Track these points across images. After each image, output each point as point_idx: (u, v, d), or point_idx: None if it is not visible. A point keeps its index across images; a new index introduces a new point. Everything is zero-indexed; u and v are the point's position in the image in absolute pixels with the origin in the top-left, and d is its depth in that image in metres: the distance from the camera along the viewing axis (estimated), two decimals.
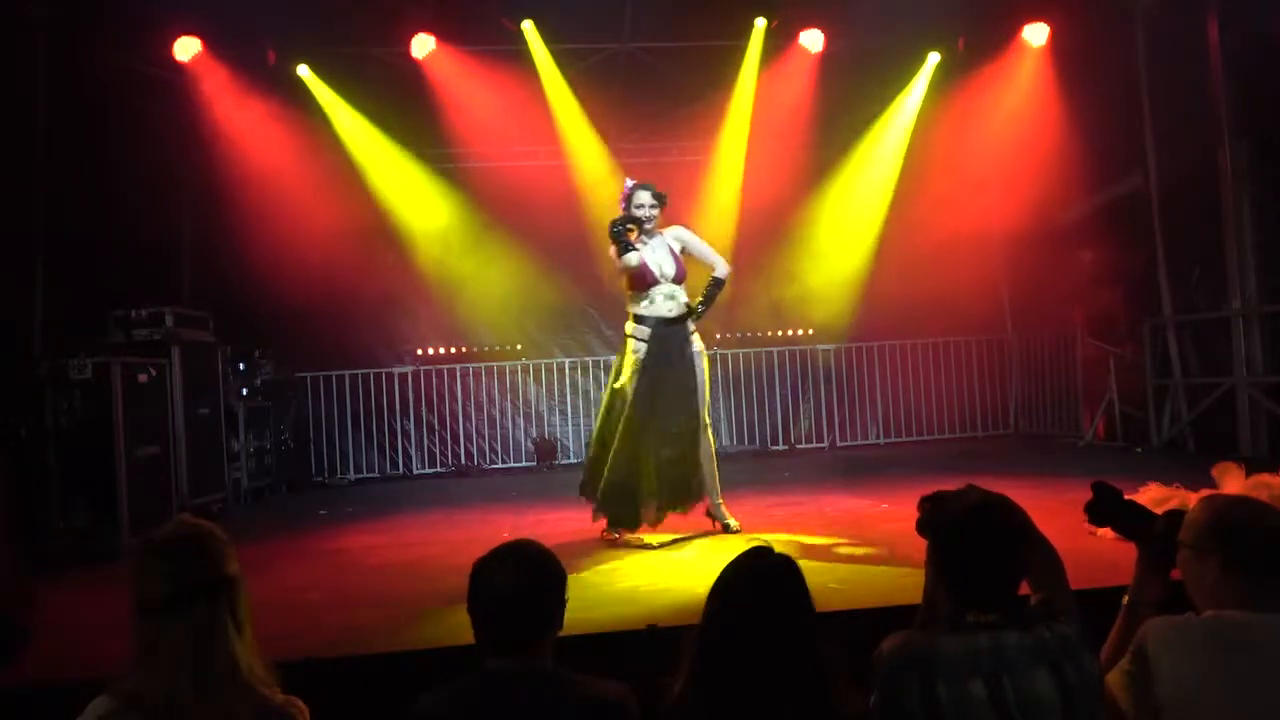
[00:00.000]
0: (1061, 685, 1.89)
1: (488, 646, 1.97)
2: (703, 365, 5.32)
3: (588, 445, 5.68)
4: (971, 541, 2.04)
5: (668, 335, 5.21)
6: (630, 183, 5.44)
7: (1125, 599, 2.33)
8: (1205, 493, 4.15)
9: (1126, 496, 2.45)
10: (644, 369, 5.15)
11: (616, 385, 5.30)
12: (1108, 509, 2.44)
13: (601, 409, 5.50)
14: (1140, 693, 1.97)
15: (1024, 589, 2.10)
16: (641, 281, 5.23)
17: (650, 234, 5.33)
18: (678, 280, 5.31)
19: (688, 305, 5.33)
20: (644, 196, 5.32)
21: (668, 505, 5.17)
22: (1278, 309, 7.28)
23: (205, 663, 1.82)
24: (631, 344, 5.26)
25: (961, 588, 2.04)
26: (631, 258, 5.13)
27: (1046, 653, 1.92)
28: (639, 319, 5.28)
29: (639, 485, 5.09)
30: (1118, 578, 3.11)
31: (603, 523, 5.24)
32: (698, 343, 5.35)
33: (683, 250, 5.39)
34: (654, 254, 5.28)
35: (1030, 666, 1.90)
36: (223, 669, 1.84)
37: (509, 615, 1.96)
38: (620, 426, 5.14)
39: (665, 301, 5.24)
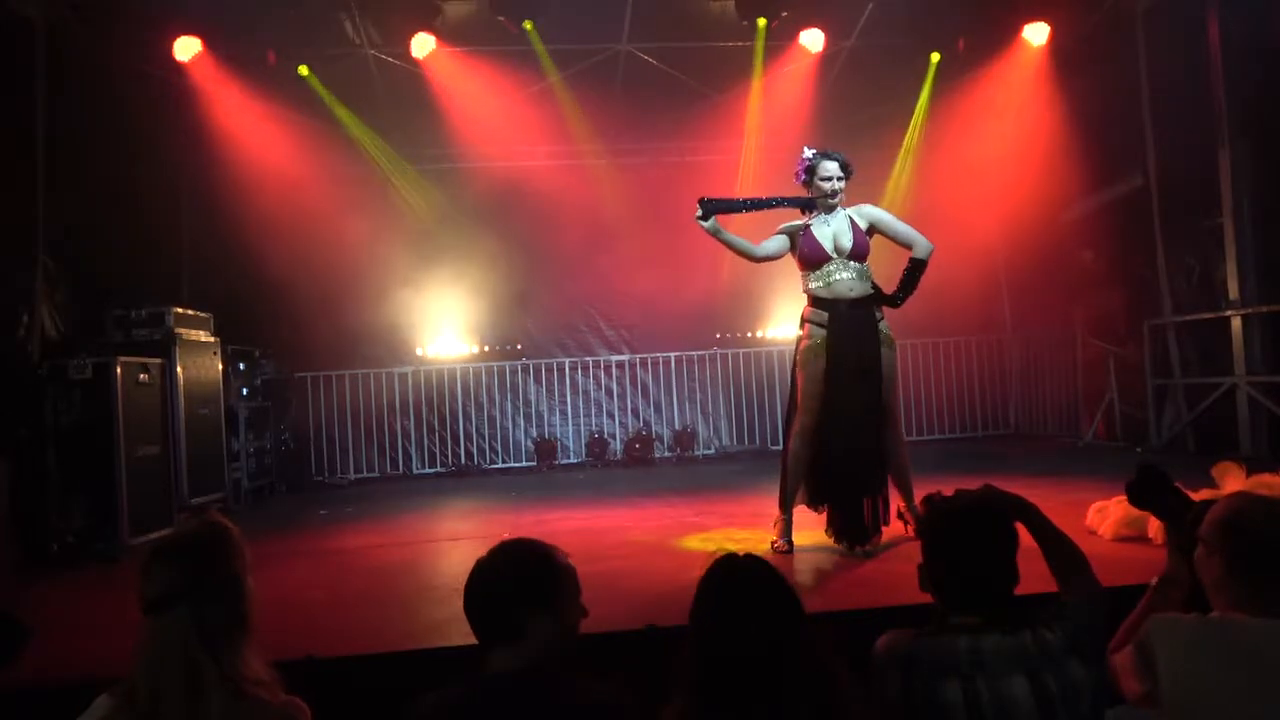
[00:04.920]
0: (1039, 692, 1.90)
1: (481, 644, 1.98)
2: (891, 355, 4.76)
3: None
4: (953, 544, 2.06)
5: (851, 320, 4.65)
6: (810, 152, 4.84)
7: (1154, 581, 2.34)
8: (1233, 488, 4.16)
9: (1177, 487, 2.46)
10: (821, 355, 4.64)
11: (795, 377, 4.80)
12: (1150, 492, 2.45)
13: (788, 410, 4.97)
14: (1145, 683, 1.97)
15: (1028, 591, 2.11)
16: (812, 257, 4.72)
17: (833, 209, 4.79)
18: (856, 257, 4.69)
19: (876, 286, 4.76)
20: (831, 167, 4.75)
21: (830, 498, 4.72)
22: (1278, 309, 7.27)
23: (199, 664, 1.82)
24: (807, 329, 4.75)
25: (945, 589, 2.07)
26: (705, 223, 4.68)
27: (1025, 659, 1.93)
28: (817, 301, 4.74)
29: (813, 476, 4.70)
30: (1116, 578, 3.11)
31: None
32: (885, 330, 4.77)
33: (870, 230, 4.79)
34: (826, 228, 4.73)
35: (1007, 671, 1.91)
36: (217, 670, 1.83)
37: (488, 609, 1.97)
38: (803, 420, 4.70)
39: (845, 280, 4.68)
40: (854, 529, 4.61)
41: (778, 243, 4.88)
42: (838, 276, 4.71)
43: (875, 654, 2.07)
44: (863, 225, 4.79)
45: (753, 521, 5.75)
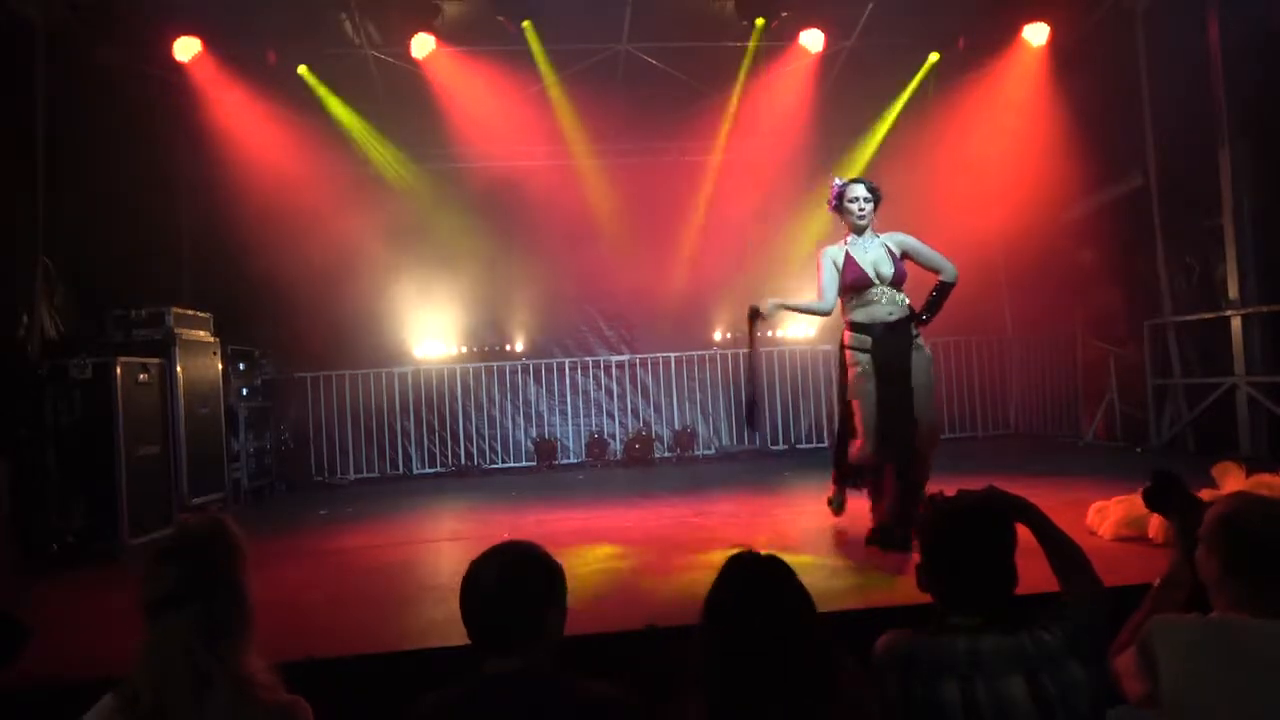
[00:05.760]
0: (1037, 693, 1.90)
1: (479, 647, 1.98)
2: (929, 370, 4.95)
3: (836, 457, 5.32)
4: (952, 545, 2.06)
5: (891, 342, 4.84)
6: (839, 180, 5.07)
7: (1156, 582, 2.34)
8: (1233, 488, 4.17)
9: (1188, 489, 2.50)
10: (871, 378, 4.83)
11: (849, 402, 4.99)
12: (1165, 495, 2.48)
13: (839, 428, 5.29)
14: (1146, 683, 1.97)
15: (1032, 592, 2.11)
16: (856, 284, 4.91)
17: (864, 231, 4.97)
18: (896, 283, 4.91)
19: (911, 309, 4.95)
20: (859, 190, 4.96)
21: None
22: (1278, 309, 7.27)
23: (202, 664, 1.82)
24: (851, 355, 4.93)
25: (944, 589, 2.07)
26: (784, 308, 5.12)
27: (1023, 660, 1.93)
28: (857, 327, 4.92)
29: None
30: (1116, 578, 3.12)
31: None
32: (923, 347, 4.96)
33: (904, 255, 4.98)
34: (867, 254, 4.92)
35: (1005, 672, 1.91)
36: (217, 670, 1.83)
37: (494, 614, 1.96)
38: (865, 444, 4.87)
39: (886, 306, 4.87)
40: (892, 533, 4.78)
41: (833, 280, 4.97)
42: (879, 303, 4.89)
43: (875, 654, 2.06)
44: (897, 252, 4.96)
45: (753, 521, 5.76)
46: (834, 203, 5.05)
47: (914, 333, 4.93)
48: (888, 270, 4.88)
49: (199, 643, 1.83)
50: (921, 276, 5.08)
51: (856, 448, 4.92)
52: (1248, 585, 1.96)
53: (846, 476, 5.26)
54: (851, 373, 4.91)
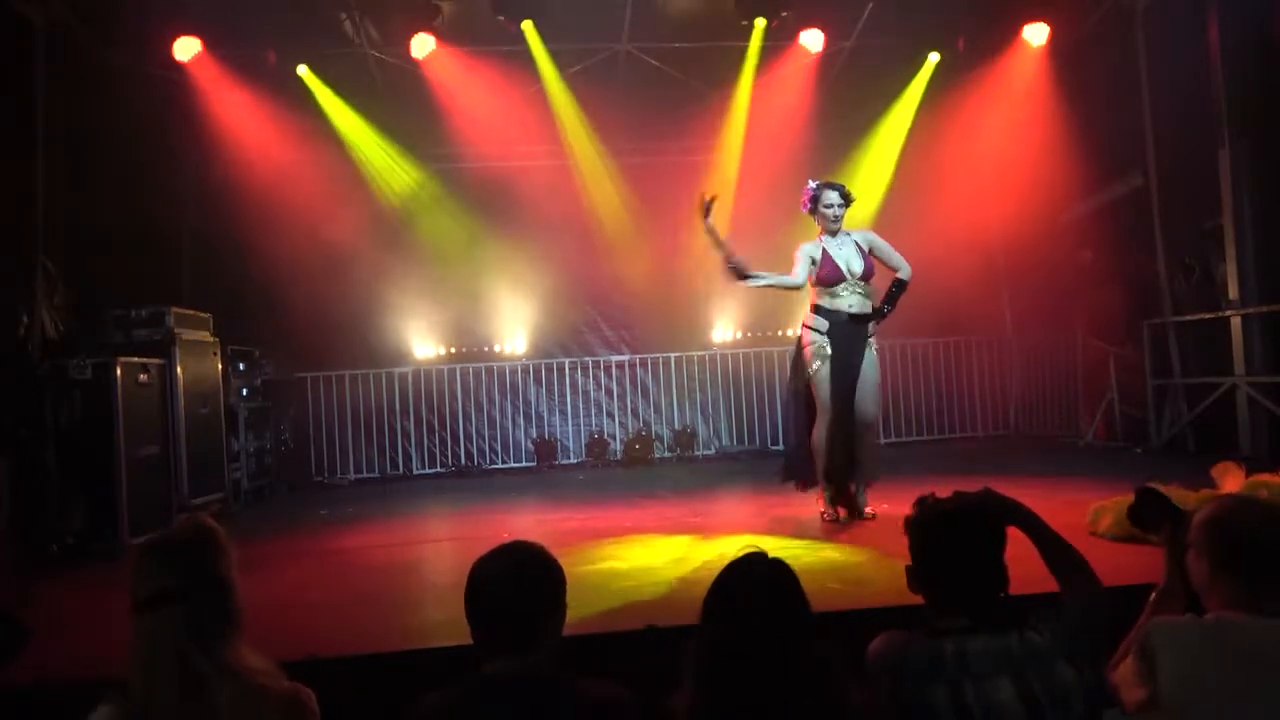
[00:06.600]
0: (1025, 695, 1.88)
1: (484, 647, 1.98)
2: (876, 366, 5.43)
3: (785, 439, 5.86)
4: (941, 548, 2.06)
5: (849, 332, 5.31)
6: (813, 184, 5.46)
7: (1153, 595, 2.34)
8: (1233, 488, 4.17)
9: (1173, 502, 2.51)
10: (826, 359, 5.30)
11: (803, 377, 5.44)
12: (1150, 512, 2.51)
13: (792, 403, 5.74)
14: (1147, 686, 1.97)
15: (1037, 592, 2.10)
16: (829, 279, 5.33)
17: (837, 233, 5.41)
18: (865, 278, 5.37)
19: (873, 307, 5.40)
20: (833, 196, 5.39)
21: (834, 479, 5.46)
22: (1278, 309, 7.27)
23: (193, 660, 1.83)
24: (809, 335, 5.38)
25: (933, 591, 2.06)
26: (754, 283, 5.42)
27: (1010, 661, 1.92)
28: (819, 310, 5.38)
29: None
30: (1116, 578, 3.11)
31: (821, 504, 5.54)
32: (873, 345, 5.43)
33: (870, 251, 5.42)
34: (841, 251, 5.37)
35: (992, 674, 1.90)
36: (213, 665, 1.84)
37: (501, 615, 1.97)
38: (824, 418, 5.34)
39: (850, 298, 5.33)
40: (851, 504, 5.36)
41: (806, 265, 5.40)
42: (846, 295, 5.35)
43: (869, 657, 2.06)
44: (866, 249, 5.41)
45: (752, 522, 5.76)
46: (808, 205, 5.45)
47: (870, 330, 5.39)
48: (858, 267, 5.33)
49: (190, 640, 1.84)
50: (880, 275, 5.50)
51: (818, 425, 5.35)
52: (1243, 586, 1.97)
53: (813, 472, 5.50)
54: (808, 351, 5.37)
